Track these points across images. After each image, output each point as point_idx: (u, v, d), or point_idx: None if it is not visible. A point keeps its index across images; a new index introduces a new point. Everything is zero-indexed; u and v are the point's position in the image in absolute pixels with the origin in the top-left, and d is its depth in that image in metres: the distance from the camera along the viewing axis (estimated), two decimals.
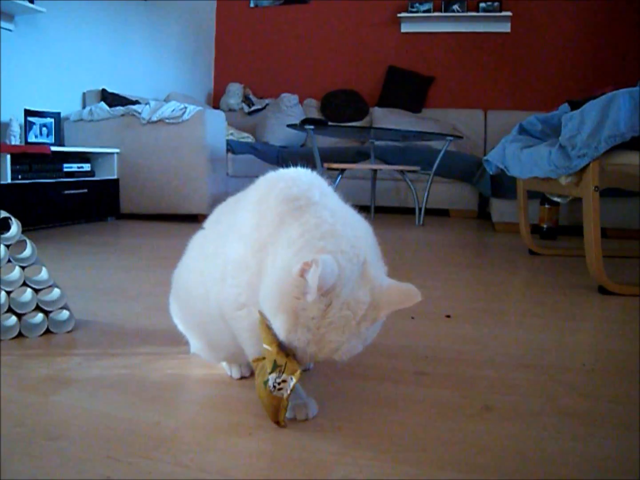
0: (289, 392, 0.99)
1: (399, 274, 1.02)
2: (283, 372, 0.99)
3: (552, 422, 1.09)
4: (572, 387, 1.28)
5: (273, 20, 6.47)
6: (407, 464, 0.92)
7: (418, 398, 1.20)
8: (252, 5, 6.52)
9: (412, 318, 1.77)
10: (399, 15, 6.05)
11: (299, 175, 1.08)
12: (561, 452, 0.98)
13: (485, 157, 3.27)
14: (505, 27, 5.92)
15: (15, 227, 1.60)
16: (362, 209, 1.13)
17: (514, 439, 1.02)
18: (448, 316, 1.82)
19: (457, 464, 0.93)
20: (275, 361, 0.99)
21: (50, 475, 0.86)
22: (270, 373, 0.99)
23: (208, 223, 1.23)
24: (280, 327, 0.94)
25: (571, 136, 2.25)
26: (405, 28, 6.17)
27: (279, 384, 0.99)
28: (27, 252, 1.60)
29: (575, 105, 2.69)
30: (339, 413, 1.10)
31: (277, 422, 1.03)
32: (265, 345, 1.00)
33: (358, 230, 1.03)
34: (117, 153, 4.27)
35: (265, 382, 1.00)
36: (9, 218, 1.59)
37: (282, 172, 1.10)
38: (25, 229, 1.60)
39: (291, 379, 0.98)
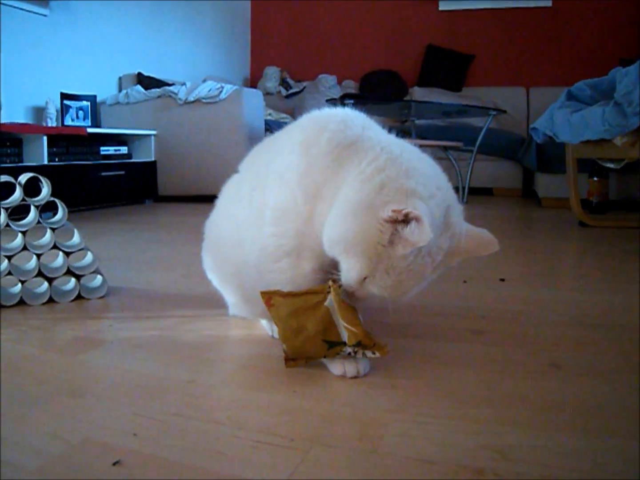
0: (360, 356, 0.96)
1: None
2: (371, 349, 0.94)
3: (629, 379, 0.98)
4: None
5: (308, 2, 6.34)
6: (470, 420, 0.82)
7: (477, 356, 1.09)
8: None
9: (464, 282, 1.66)
10: None
11: (350, 117, 0.96)
12: None
13: (532, 126, 3.13)
14: (547, 2, 5.69)
15: (45, 188, 1.53)
16: None
17: (590, 395, 0.91)
18: (502, 279, 1.70)
19: (528, 420, 0.82)
20: (360, 341, 0.93)
21: (71, 431, 0.78)
22: (350, 346, 0.94)
23: (242, 166, 1.13)
24: (356, 270, 0.87)
25: (627, 92, 2.12)
26: (443, 6, 5.98)
27: (356, 352, 0.96)
28: (59, 215, 1.53)
29: (628, 63, 2.53)
30: (393, 371, 1.00)
31: (293, 360, 0.98)
32: (344, 324, 0.93)
33: (434, 166, 0.94)
34: (154, 135, 4.22)
35: (330, 343, 0.95)
36: (39, 180, 1.52)
37: (330, 112, 0.99)
38: None
39: (374, 353, 0.95)
